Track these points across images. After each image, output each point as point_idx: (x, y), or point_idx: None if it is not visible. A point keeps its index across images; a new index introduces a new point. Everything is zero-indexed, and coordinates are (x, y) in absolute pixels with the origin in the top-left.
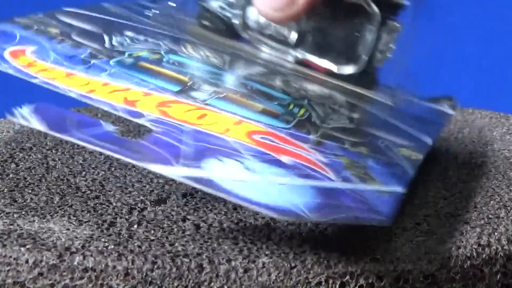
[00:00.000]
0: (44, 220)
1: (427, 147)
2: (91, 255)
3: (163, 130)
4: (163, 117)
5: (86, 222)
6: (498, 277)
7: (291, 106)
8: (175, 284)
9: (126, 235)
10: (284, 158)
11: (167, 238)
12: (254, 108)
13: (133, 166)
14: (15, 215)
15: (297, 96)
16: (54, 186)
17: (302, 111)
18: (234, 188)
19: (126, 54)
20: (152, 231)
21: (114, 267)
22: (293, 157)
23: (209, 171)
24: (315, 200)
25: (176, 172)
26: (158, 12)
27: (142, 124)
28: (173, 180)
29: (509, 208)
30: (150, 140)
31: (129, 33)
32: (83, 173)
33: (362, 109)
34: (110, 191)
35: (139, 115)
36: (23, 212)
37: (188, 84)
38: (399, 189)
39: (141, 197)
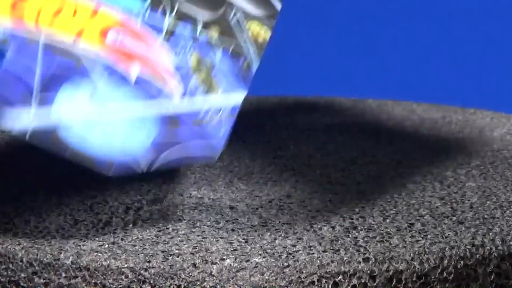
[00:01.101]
0: (40, 219)
1: (276, 13)
2: (85, 254)
3: (17, 54)
4: (17, 27)
5: (81, 221)
6: (492, 277)
7: None
8: (168, 283)
9: (121, 235)
10: (134, 71)
11: (161, 237)
12: None
13: None
14: (12, 214)
15: None
16: (53, 185)
17: None
18: (76, 136)
19: None
20: (147, 231)
21: (108, 266)
22: (142, 64)
23: (56, 113)
24: (154, 138)
25: (23, 123)
26: None
27: None
28: (171, 179)
29: (505, 208)
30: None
31: None
32: (83, 172)
33: None
34: (108, 190)
35: None
36: (20, 211)
37: None
38: (240, 96)
39: (138, 197)
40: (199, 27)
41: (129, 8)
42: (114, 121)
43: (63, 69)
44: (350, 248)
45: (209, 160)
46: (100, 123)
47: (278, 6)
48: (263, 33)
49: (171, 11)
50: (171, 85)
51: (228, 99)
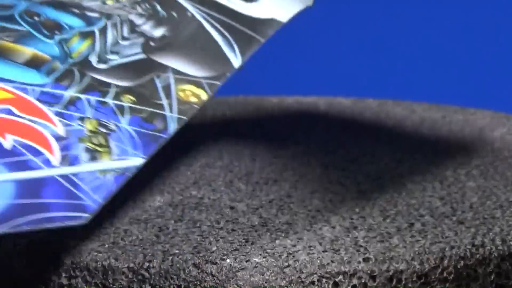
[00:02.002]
0: None
1: (229, 71)
2: (85, 254)
3: None
4: None
5: None
6: (492, 277)
7: (74, 40)
8: (168, 283)
9: (121, 235)
10: (8, 140)
11: (161, 237)
12: (21, 57)
13: None
14: None
15: (98, 14)
16: None
17: (84, 45)
18: None
19: None
20: (147, 231)
21: (108, 266)
22: (21, 135)
23: None
24: (10, 201)
25: None
26: None
27: None
28: (169, 180)
29: (505, 208)
30: None
31: None
32: None
33: (172, 20)
34: None
35: None
36: None
37: None
38: (137, 161)
39: (138, 197)
40: (111, 95)
41: (26, 84)
42: None
43: None
44: (350, 248)
45: (77, 221)
46: None
47: (236, 63)
48: (199, 94)
49: (80, 83)
50: (50, 152)
51: (121, 163)
